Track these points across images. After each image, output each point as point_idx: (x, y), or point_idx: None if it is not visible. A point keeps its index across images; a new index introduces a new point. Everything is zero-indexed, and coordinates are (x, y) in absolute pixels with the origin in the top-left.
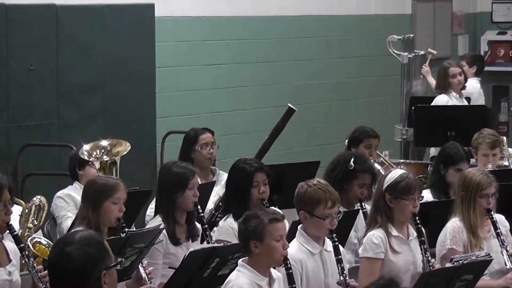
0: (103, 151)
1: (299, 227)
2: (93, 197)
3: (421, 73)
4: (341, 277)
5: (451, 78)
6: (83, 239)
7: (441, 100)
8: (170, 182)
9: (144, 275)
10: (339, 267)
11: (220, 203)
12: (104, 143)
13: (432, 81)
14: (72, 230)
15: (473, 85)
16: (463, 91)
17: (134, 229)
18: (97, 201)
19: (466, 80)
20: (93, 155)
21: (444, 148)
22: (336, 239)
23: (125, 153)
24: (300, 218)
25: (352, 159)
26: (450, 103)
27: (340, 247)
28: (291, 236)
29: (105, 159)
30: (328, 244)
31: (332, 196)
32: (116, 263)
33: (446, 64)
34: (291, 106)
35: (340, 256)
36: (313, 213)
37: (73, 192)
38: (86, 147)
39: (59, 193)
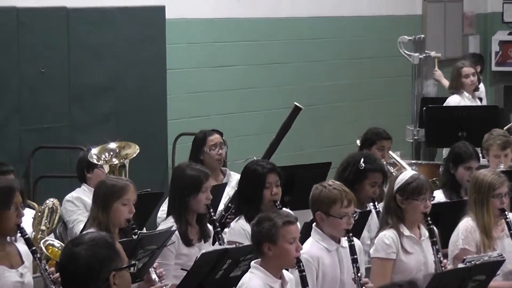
0: (111, 153)
1: (313, 225)
2: (102, 198)
3: (434, 78)
4: (356, 276)
5: (464, 78)
6: (92, 240)
7: (453, 100)
8: (183, 184)
9: (155, 276)
10: (354, 267)
11: (230, 204)
12: (113, 145)
13: (447, 83)
14: (84, 232)
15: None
16: (476, 92)
17: (146, 231)
18: (106, 202)
19: (479, 81)
20: (102, 158)
21: (453, 147)
22: (352, 239)
23: (134, 155)
24: (316, 219)
25: (362, 159)
26: (462, 104)
27: (358, 243)
28: (303, 237)
29: (114, 162)
30: (344, 240)
31: (347, 195)
32: (128, 266)
33: (460, 64)
34: (297, 104)
35: (355, 256)
36: (329, 213)
37: (82, 195)
38: (94, 150)
39: (68, 197)
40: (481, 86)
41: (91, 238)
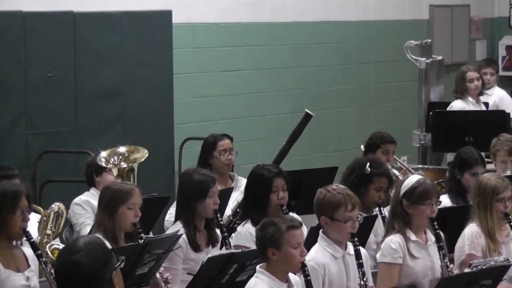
0: (120, 157)
1: (320, 231)
2: (108, 203)
3: None
4: (362, 281)
5: (468, 83)
6: (87, 245)
7: (456, 105)
8: (190, 189)
9: (160, 281)
10: (360, 271)
11: (238, 209)
12: (122, 149)
13: None
14: (74, 238)
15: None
16: (483, 97)
17: (152, 235)
18: (112, 206)
19: (483, 86)
20: (111, 162)
21: (459, 152)
22: (357, 243)
23: (142, 159)
24: (321, 224)
25: (368, 164)
26: (466, 109)
27: (364, 251)
28: (309, 242)
29: (123, 166)
30: (351, 248)
31: (351, 199)
32: (120, 262)
33: (465, 68)
34: (308, 111)
35: (361, 260)
36: (333, 217)
37: (91, 198)
38: (103, 153)
39: (76, 200)
40: (496, 90)
41: (86, 243)
